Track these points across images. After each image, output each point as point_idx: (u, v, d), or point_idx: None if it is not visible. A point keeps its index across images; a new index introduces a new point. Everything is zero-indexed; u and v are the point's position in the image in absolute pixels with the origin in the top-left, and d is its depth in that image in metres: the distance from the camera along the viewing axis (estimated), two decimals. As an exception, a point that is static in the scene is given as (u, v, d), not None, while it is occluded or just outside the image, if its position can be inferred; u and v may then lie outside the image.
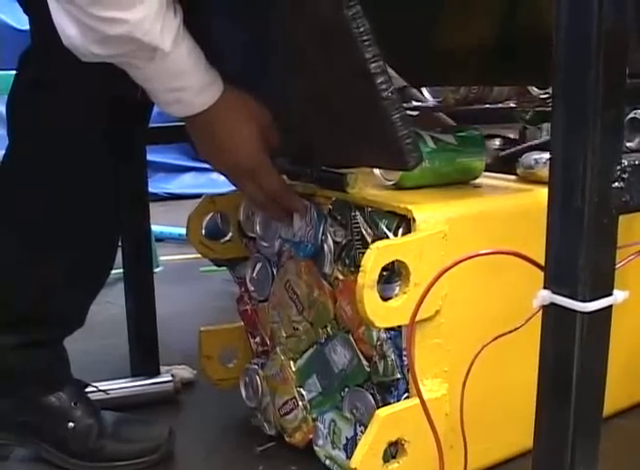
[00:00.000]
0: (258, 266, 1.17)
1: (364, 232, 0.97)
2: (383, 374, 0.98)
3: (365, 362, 1.00)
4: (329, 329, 1.06)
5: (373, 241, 0.93)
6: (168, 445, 1.15)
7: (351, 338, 1.02)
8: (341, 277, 1.02)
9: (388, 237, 0.93)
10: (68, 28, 0.83)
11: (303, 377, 1.11)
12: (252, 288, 1.19)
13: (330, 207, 1.02)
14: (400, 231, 0.93)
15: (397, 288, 0.91)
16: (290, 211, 1.05)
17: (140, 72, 0.89)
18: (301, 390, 1.12)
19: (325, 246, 1.03)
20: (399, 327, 0.94)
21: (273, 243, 1.13)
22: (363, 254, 0.94)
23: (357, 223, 0.98)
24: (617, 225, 0.62)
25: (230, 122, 0.96)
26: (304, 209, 1.03)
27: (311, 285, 1.06)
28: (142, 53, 0.85)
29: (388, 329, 0.95)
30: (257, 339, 1.21)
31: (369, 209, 0.96)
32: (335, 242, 1.02)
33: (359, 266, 0.94)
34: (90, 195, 1.06)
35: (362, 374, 1.01)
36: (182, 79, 0.90)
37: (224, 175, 1.02)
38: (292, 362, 1.13)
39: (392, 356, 0.96)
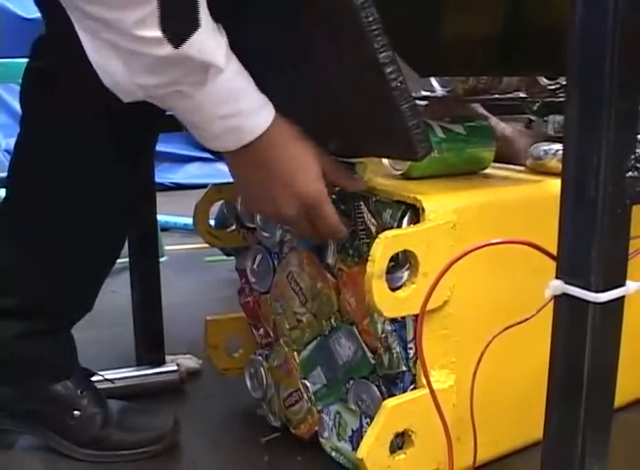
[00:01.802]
0: (259, 258, 1.17)
1: (368, 222, 0.96)
2: (388, 367, 0.97)
3: (370, 354, 1.00)
4: (333, 321, 1.05)
5: (377, 231, 0.93)
6: (173, 434, 1.14)
7: (355, 330, 1.01)
8: (344, 268, 1.01)
9: (392, 227, 0.92)
10: (110, 64, 0.78)
11: (308, 369, 1.11)
12: (254, 279, 1.18)
13: (334, 196, 1.01)
14: (405, 221, 0.92)
15: (403, 278, 0.90)
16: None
17: (190, 102, 0.81)
18: (306, 382, 1.11)
19: None
20: (404, 319, 0.94)
21: (274, 233, 1.12)
22: (367, 244, 0.94)
23: (361, 213, 0.97)
24: (630, 216, 0.62)
25: (292, 144, 0.89)
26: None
27: (314, 276, 1.06)
28: (193, 76, 0.79)
29: (392, 321, 0.95)
30: (261, 331, 1.21)
31: (373, 198, 0.96)
32: None
33: (363, 257, 0.93)
34: (92, 190, 1.04)
35: (367, 366, 1.01)
36: (237, 101, 0.83)
37: (274, 217, 0.97)
38: (295, 354, 1.12)
39: (398, 349, 0.96)
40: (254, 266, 1.18)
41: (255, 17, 0.93)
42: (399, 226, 0.92)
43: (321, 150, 0.92)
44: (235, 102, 0.83)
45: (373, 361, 1.00)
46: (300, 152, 0.89)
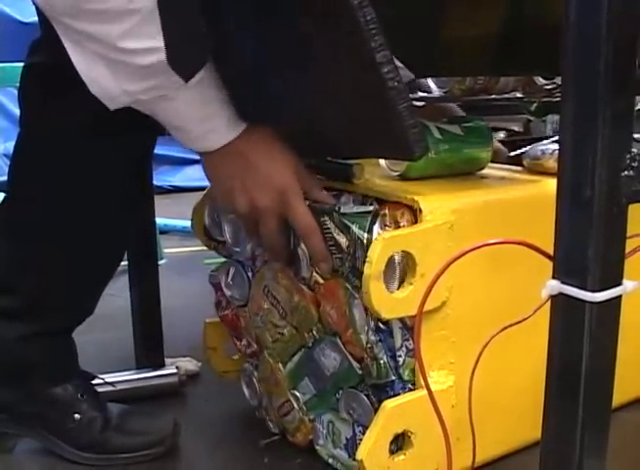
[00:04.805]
0: (232, 271, 1.16)
1: (337, 237, 0.94)
2: (376, 376, 0.95)
3: (356, 364, 0.98)
4: (315, 332, 1.04)
5: (348, 246, 0.92)
6: (173, 437, 1.14)
7: (339, 341, 1.00)
8: (321, 281, 1.00)
9: (363, 239, 0.91)
10: (97, 72, 0.82)
11: (296, 380, 1.09)
12: (229, 293, 1.17)
13: None
14: (375, 228, 0.91)
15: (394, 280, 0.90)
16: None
17: (174, 104, 0.86)
18: (295, 392, 1.09)
19: (299, 250, 1.01)
20: (389, 328, 0.94)
21: (245, 247, 1.11)
22: (340, 259, 0.93)
23: (328, 229, 0.95)
24: (626, 215, 0.62)
25: (270, 140, 0.94)
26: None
27: (290, 290, 1.04)
28: (175, 79, 0.83)
29: (377, 331, 0.94)
30: (244, 341, 1.19)
31: (337, 212, 0.94)
32: None
33: (338, 271, 0.93)
34: (91, 188, 1.04)
35: (354, 376, 0.99)
36: (216, 102, 0.89)
37: (243, 217, 0.98)
38: (281, 365, 1.10)
39: (385, 359, 0.94)
40: (229, 280, 1.16)
41: (253, 18, 0.93)
42: (370, 234, 0.91)
43: (296, 154, 0.95)
44: (214, 102, 0.88)
45: (360, 371, 0.98)
46: (278, 147, 0.94)
